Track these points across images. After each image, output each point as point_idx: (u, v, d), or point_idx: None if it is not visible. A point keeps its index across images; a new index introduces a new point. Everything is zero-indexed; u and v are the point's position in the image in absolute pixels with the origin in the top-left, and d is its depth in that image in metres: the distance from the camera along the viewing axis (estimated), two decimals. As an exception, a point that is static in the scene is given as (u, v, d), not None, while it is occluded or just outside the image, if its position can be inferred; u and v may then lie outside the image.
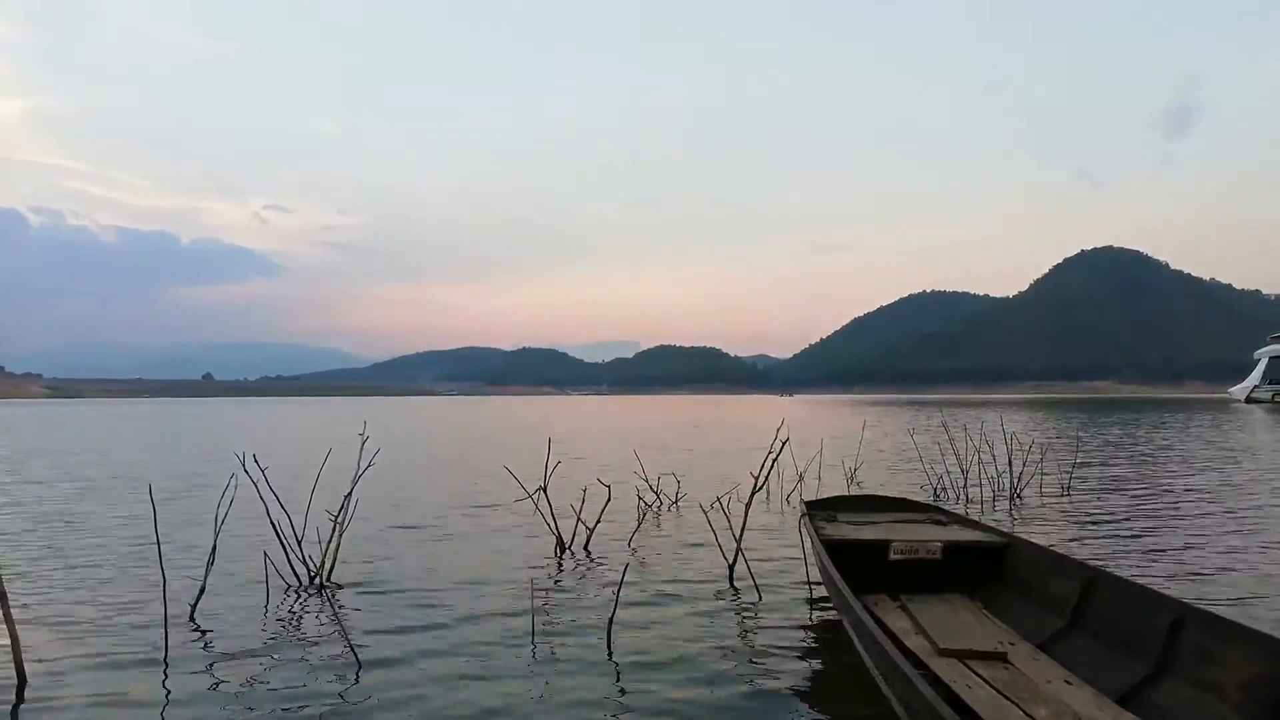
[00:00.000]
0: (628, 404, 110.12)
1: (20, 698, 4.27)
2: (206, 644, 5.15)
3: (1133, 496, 11.82)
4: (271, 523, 6.62)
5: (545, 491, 8.45)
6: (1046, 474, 13.45)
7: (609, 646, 5.02)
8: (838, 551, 5.48)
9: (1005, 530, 6.06)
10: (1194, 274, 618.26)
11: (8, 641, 4.50)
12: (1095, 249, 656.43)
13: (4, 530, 9.32)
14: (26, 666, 4.51)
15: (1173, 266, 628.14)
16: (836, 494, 8.16)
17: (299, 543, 6.63)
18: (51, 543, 8.61)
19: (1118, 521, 9.58)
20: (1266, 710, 3.28)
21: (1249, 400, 74.21)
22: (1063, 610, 4.72)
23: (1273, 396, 71.13)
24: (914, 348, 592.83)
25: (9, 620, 4.51)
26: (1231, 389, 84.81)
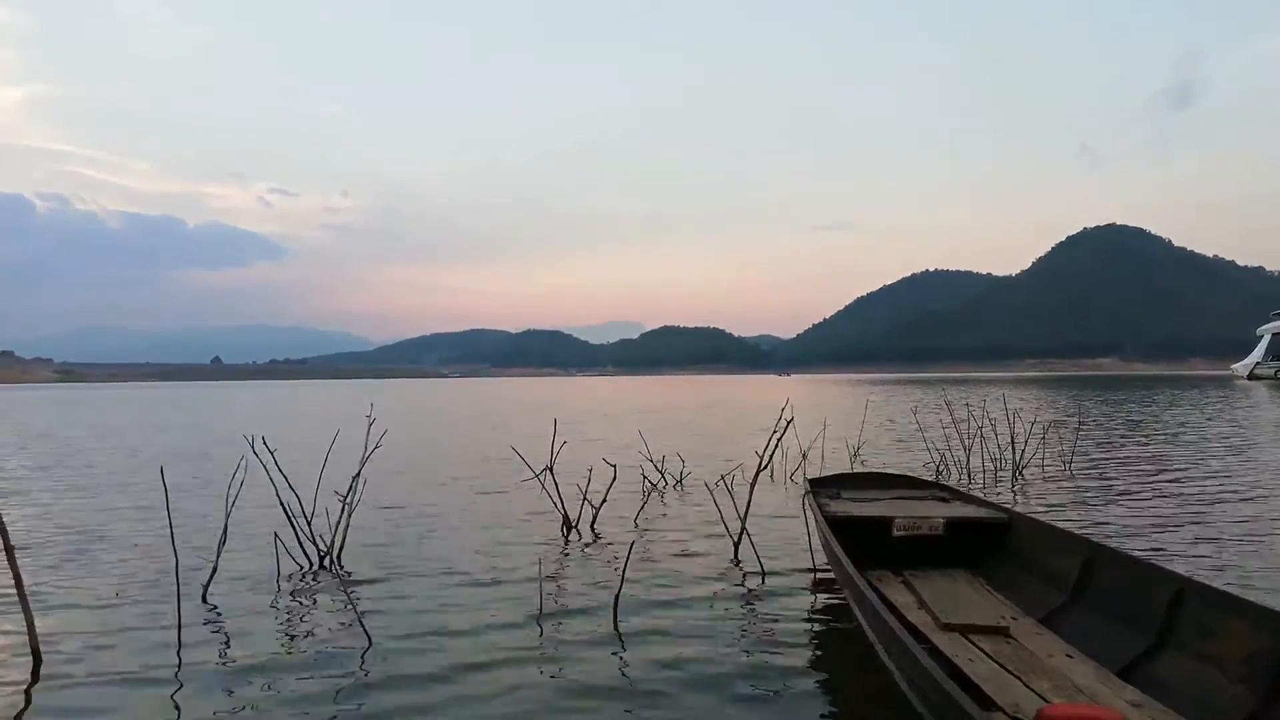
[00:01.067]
0: (632, 384, 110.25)
1: (36, 677, 4.33)
2: (219, 623, 5.22)
3: (1135, 473, 11.86)
4: (281, 504, 6.69)
5: (552, 471, 8.50)
6: (1049, 451, 13.49)
7: (615, 623, 5.07)
8: (841, 528, 5.52)
9: (1007, 506, 6.11)
10: (1197, 251, 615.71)
11: (23, 622, 4.57)
12: (1097, 226, 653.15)
13: (18, 512, 9.39)
14: (42, 646, 4.58)
15: (1175, 243, 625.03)
16: (840, 472, 8.21)
17: (309, 523, 6.69)
18: (64, 525, 8.69)
19: (1120, 498, 9.62)
20: (1266, 682, 3.32)
21: (1252, 377, 74.02)
22: (1064, 585, 4.77)
23: (1275, 373, 70.92)
24: (916, 326, 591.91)
25: (24, 600, 4.57)
26: (1234, 365, 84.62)
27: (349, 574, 6.41)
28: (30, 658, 4.50)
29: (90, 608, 5.61)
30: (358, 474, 7.02)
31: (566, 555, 7.09)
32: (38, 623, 4.64)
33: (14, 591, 4.61)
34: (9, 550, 4.59)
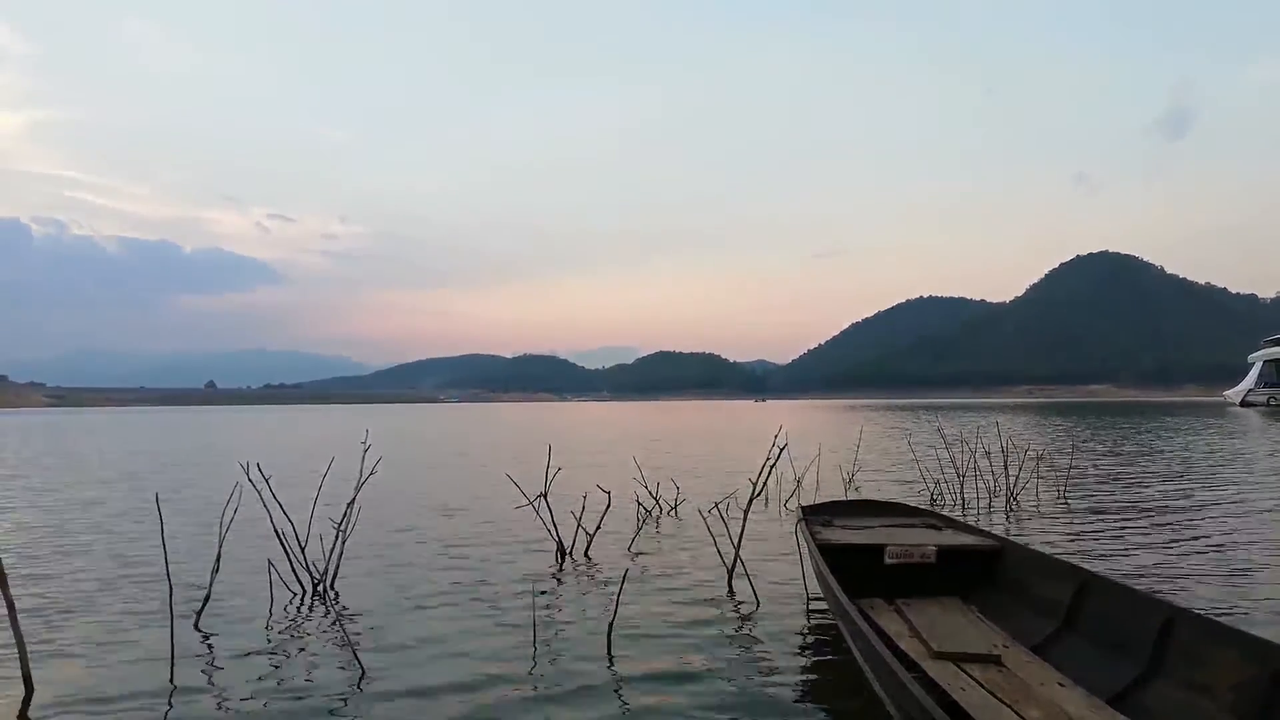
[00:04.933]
0: (626, 410, 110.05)
1: (26, 708, 4.32)
2: (212, 652, 5.20)
3: (1127, 501, 11.88)
4: (275, 531, 6.68)
5: (546, 498, 8.50)
6: (1042, 478, 13.51)
7: (609, 652, 5.08)
8: (834, 555, 5.54)
9: (999, 534, 6.13)
10: (1189, 278, 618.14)
11: (15, 651, 4.56)
12: (1090, 254, 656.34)
13: (10, 540, 9.35)
14: (34, 676, 4.57)
15: (1168, 270, 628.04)
16: (833, 499, 8.22)
17: (302, 550, 6.68)
18: (57, 552, 8.65)
19: (1113, 526, 9.64)
20: (1255, 711, 3.34)
21: (1244, 404, 74.21)
22: (1055, 613, 4.79)
23: (1268, 400, 71.16)
24: (911, 352, 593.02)
25: (16, 630, 4.56)
26: (1227, 392, 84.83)
27: (342, 601, 6.40)
28: (22, 687, 4.49)
29: (83, 635, 5.59)
30: (352, 501, 7.03)
31: (561, 582, 7.09)
32: (29, 650, 4.63)
33: (7, 620, 4.60)
34: (2, 579, 4.59)
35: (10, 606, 4.58)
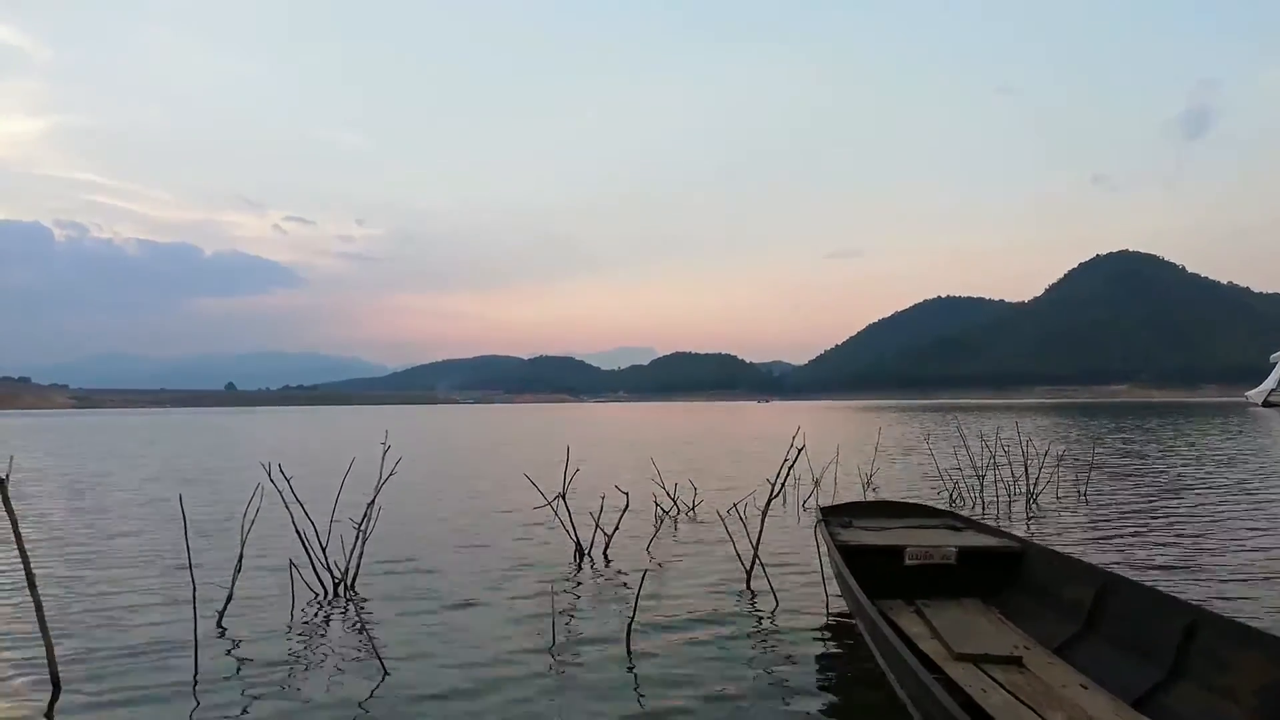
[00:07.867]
0: (643, 411, 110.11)
1: (54, 705, 4.38)
2: (235, 651, 5.25)
3: (1149, 501, 11.78)
4: (297, 531, 6.74)
5: (564, 499, 8.53)
6: (1063, 479, 13.42)
7: (628, 651, 5.09)
8: (853, 557, 5.53)
9: (1020, 535, 6.10)
10: (1210, 277, 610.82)
11: (43, 650, 4.63)
12: (1111, 253, 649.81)
13: (37, 540, 9.46)
14: (61, 675, 4.64)
15: (1189, 270, 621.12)
16: (852, 500, 8.20)
17: (323, 551, 6.74)
18: (82, 552, 8.77)
19: (1134, 526, 9.56)
20: (1279, 715, 3.32)
21: (1266, 404, 73.48)
22: (1077, 615, 4.76)
23: None
24: (929, 353, 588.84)
25: (44, 629, 4.63)
26: (1248, 393, 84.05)
27: (363, 601, 6.45)
28: (50, 685, 4.56)
29: (108, 634, 5.66)
30: (372, 501, 7.08)
31: (579, 583, 7.11)
32: (56, 649, 4.69)
33: (35, 619, 4.66)
34: (30, 579, 4.66)
35: (38, 607, 4.64)
